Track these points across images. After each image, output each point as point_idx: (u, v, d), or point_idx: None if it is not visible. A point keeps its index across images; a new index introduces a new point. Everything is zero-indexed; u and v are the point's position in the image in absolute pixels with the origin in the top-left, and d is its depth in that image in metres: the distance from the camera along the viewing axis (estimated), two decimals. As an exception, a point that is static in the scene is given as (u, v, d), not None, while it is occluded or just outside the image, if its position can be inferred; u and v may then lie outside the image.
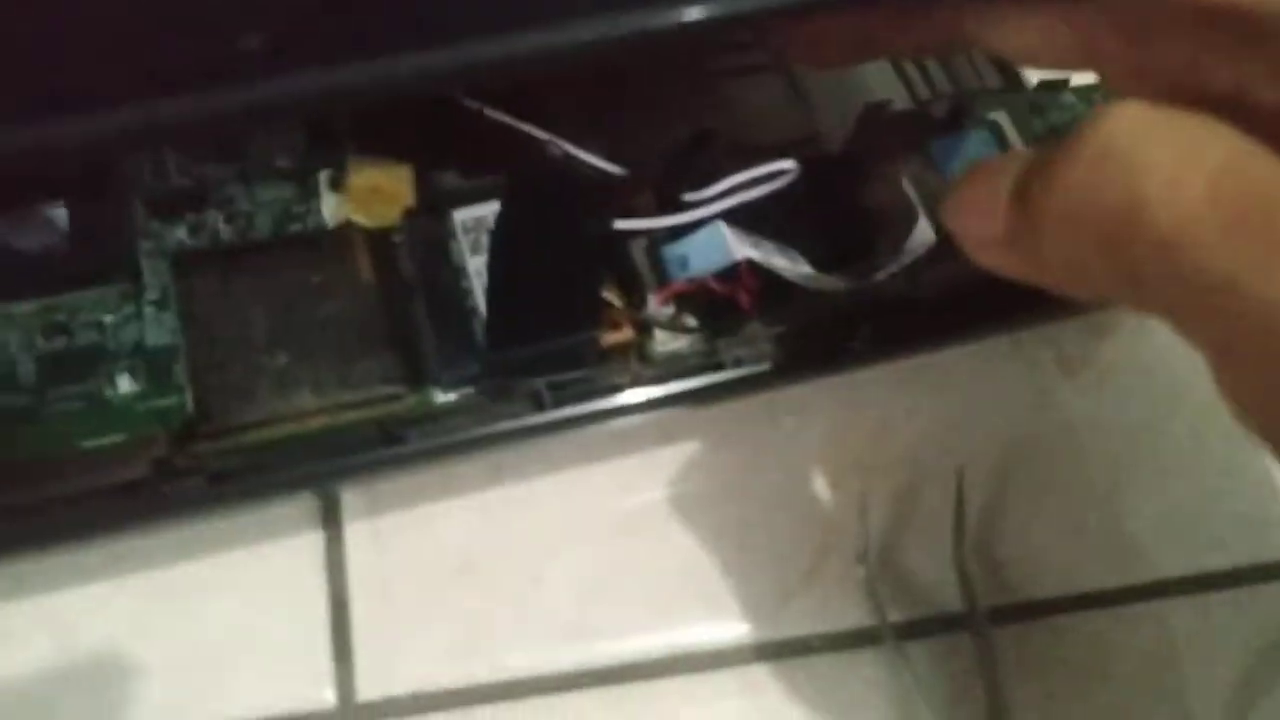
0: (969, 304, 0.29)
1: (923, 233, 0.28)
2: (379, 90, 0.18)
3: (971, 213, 0.20)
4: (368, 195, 0.27)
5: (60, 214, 0.26)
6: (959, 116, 0.31)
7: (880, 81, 0.34)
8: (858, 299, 0.28)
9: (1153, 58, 0.20)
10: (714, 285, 0.27)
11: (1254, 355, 0.16)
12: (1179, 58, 0.19)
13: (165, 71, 0.17)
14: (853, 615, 0.26)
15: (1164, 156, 0.17)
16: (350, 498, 0.26)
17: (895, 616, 0.26)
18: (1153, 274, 0.17)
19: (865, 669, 0.26)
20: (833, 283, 0.28)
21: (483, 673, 0.25)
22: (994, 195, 0.19)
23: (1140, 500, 0.28)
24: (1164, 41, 0.20)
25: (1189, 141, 0.17)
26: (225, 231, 0.27)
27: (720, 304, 0.27)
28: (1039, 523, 0.28)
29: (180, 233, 0.27)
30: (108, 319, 0.26)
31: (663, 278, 0.28)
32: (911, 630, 0.26)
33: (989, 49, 0.23)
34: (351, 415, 0.25)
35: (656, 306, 0.27)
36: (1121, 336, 0.30)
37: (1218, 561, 0.28)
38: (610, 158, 0.30)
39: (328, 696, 0.24)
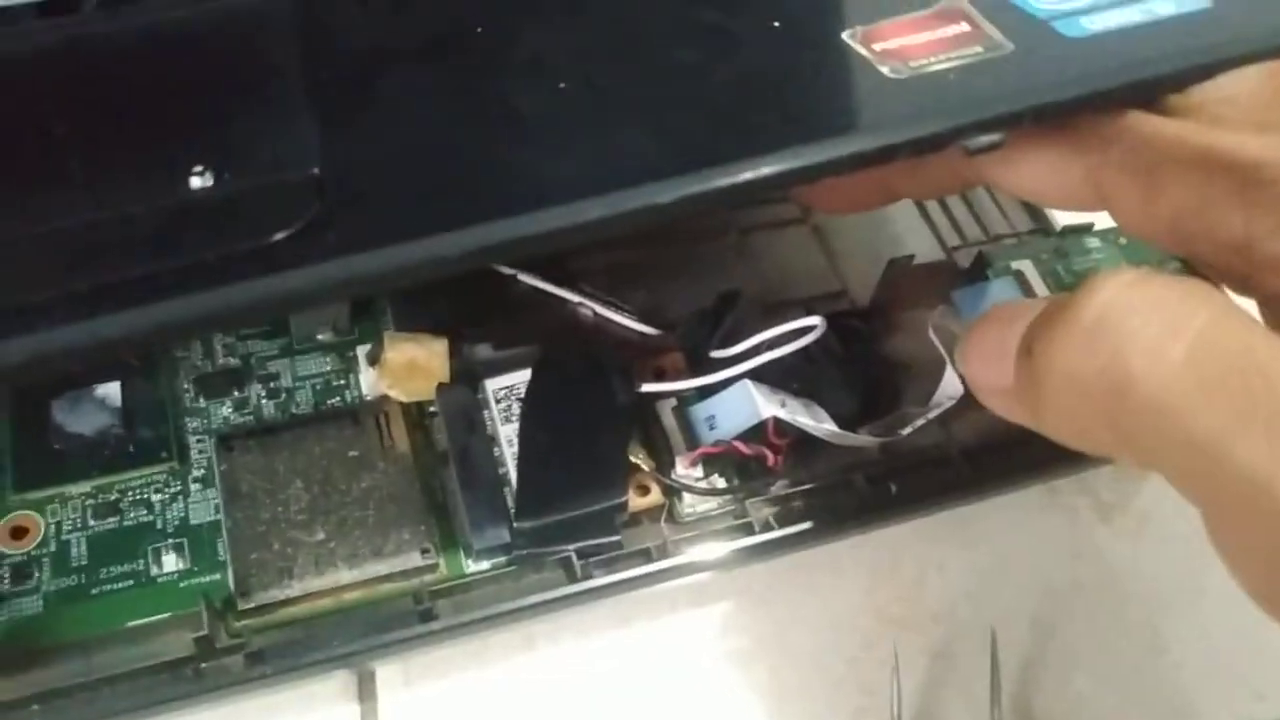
0: (1001, 454, 0.29)
1: (950, 384, 0.28)
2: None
3: (982, 361, 0.21)
4: (404, 370, 0.28)
5: (114, 396, 0.28)
6: (982, 265, 0.31)
7: (908, 230, 0.34)
8: (888, 453, 0.29)
9: (1161, 200, 0.20)
10: (741, 447, 0.27)
11: (1236, 514, 0.17)
12: (1187, 202, 0.20)
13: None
14: (892, 782, 0.26)
15: (1147, 325, 0.17)
16: (385, 671, 0.27)
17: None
18: (1143, 437, 0.17)
19: (907, 839, 0.25)
20: (860, 439, 0.28)
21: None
22: (1003, 346, 0.20)
23: (1182, 650, 0.28)
24: (1172, 185, 0.20)
25: (1172, 309, 0.17)
26: (268, 407, 0.28)
27: (748, 464, 0.28)
28: (1079, 674, 0.27)
29: (225, 410, 0.28)
30: (156, 497, 0.27)
31: (691, 438, 0.28)
32: (953, 797, 0.26)
33: (1001, 188, 0.24)
34: (386, 588, 0.26)
35: (685, 469, 0.27)
36: (1158, 481, 0.30)
37: (1264, 713, 0.27)
38: (641, 319, 0.31)
39: None
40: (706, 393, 0.29)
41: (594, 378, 0.28)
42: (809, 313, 0.29)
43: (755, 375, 0.28)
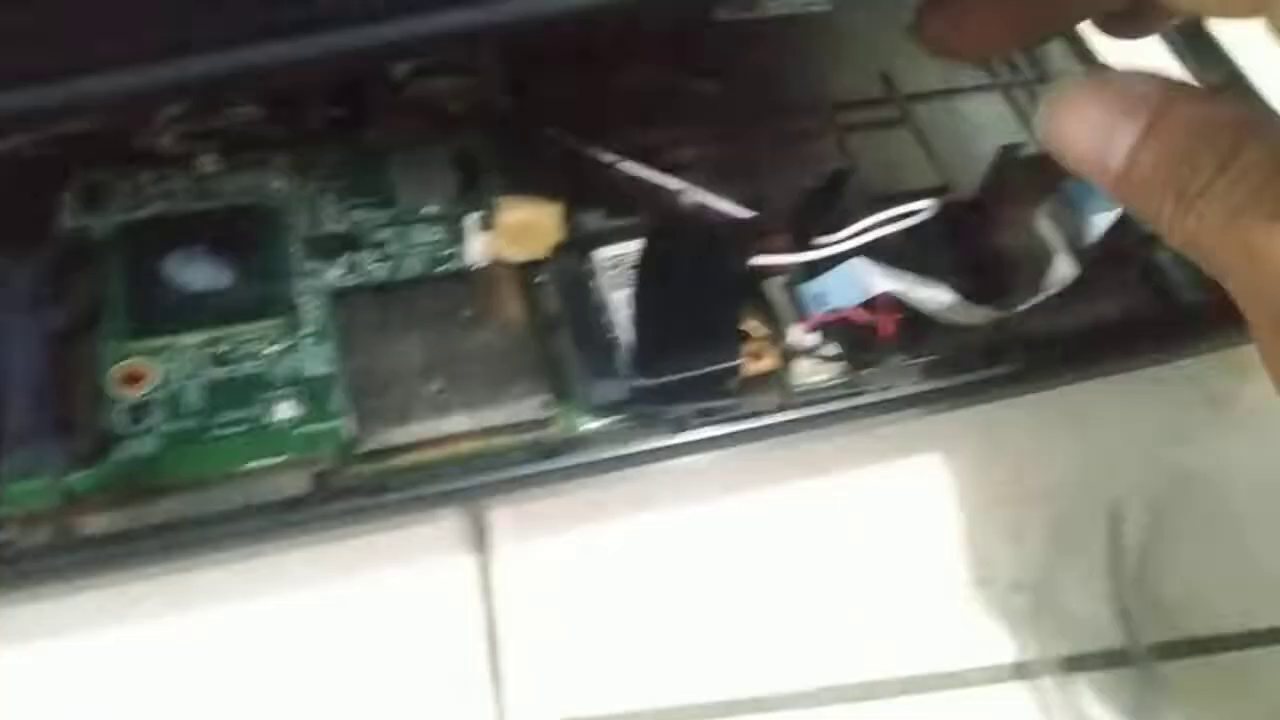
0: (1110, 340, 0.29)
1: (1062, 269, 0.28)
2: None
3: (1087, 132, 0.20)
4: (519, 231, 0.27)
5: (225, 254, 0.28)
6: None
7: (1009, 133, 0.34)
8: (998, 332, 0.29)
9: None
10: (855, 316, 0.27)
11: None
12: None
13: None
14: (1010, 648, 0.26)
15: None
16: (499, 524, 0.26)
17: (1055, 650, 0.25)
18: None
19: (1027, 703, 0.25)
20: (974, 314, 0.28)
21: (633, 699, 0.25)
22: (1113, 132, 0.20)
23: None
24: None
25: None
26: (378, 271, 0.28)
27: (861, 336, 0.28)
28: (1198, 560, 0.27)
29: (336, 272, 0.28)
30: (268, 350, 0.27)
31: (801, 314, 0.28)
32: (1071, 664, 0.25)
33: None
34: (502, 440, 0.26)
35: (800, 336, 0.27)
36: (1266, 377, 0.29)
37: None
38: (743, 203, 0.31)
39: (483, 714, 0.24)
40: (815, 271, 0.29)
41: (706, 248, 0.28)
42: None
43: (865, 254, 0.28)
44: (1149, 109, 0.19)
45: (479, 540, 0.26)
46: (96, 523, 0.24)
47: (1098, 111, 0.20)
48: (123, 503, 0.24)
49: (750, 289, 0.28)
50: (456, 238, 0.29)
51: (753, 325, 0.28)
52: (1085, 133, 0.20)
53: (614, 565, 0.26)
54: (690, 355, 0.26)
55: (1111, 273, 0.30)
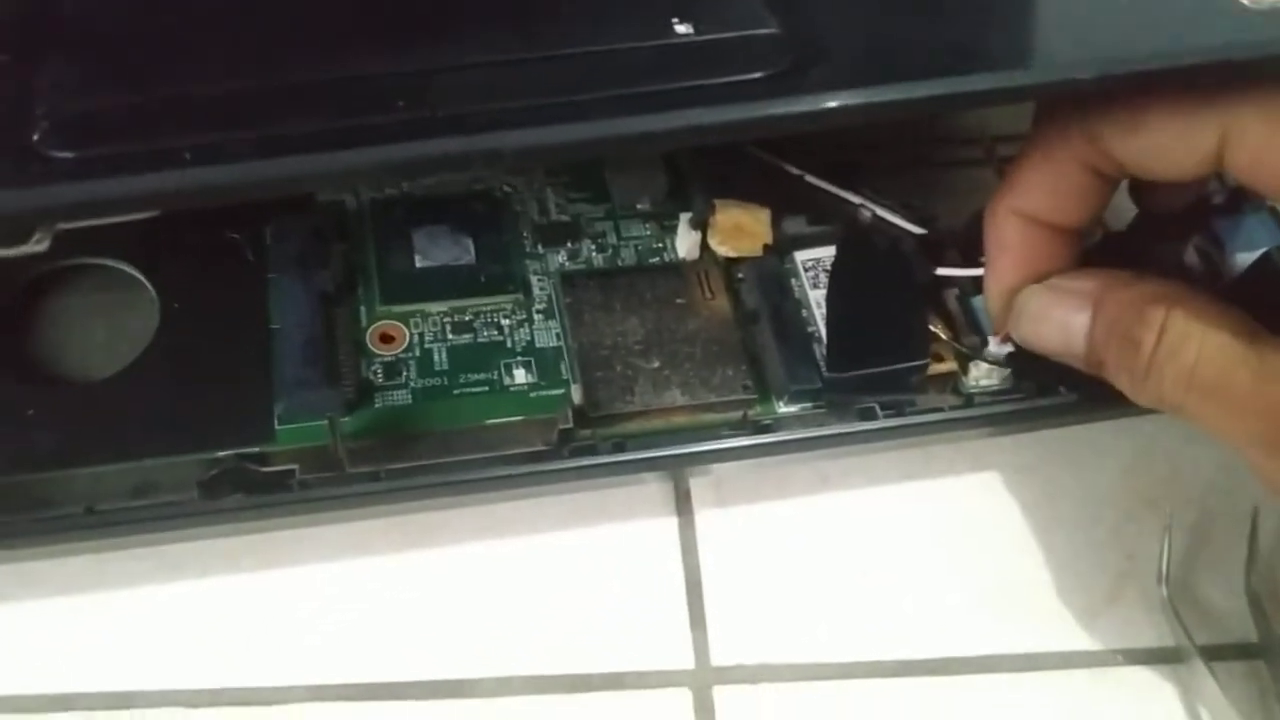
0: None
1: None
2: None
3: (1045, 328, 0.26)
4: (732, 231, 0.31)
5: (467, 233, 0.31)
6: (1239, 199, 0.34)
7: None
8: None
9: None
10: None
11: None
12: None
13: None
14: (1152, 635, 0.29)
15: None
16: (699, 492, 0.30)
17: (1194, 639, 0.28)
18: None
19: (1166, 685, 0.28)
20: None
21: (821, 653, 0.28)
22: (1067, 328, 0.25)
23: None
24: None
25: None
26: (597, 259, 0.32)
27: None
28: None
29: (560, 257, 0.32)
30: (505, 322, 0.30)
31: (971, 324, 0.31)
32: (1208, 654, 0.28)
33: (1130, 164, 0.25)
34: (709, 416, 0.29)
35: (996, 345, 0.30)
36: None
37: None
38: (915, 222, 0.34)
39: (685, 658, 0.27)
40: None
41: (894, 257, 0.31)
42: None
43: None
44: (1091, 301, 0.24)
45: (682, 504, 0.30)
46: (359, 463, 0.28)
47: (1056, 311, 0.25)
48: (381, 447, 0.28)
49: (931, 298, 0.31)
50: (665, 233, 0.32)
51: (935, 330, 0.31)
52: (1048, 332, 0.25)
53: (797, 534, 0.29)
54: (880, 353, 0.29)
55: (1251, 307, 0.32)
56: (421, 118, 0.20)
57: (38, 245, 0.21)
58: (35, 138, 0.19)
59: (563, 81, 0.22)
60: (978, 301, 0.32)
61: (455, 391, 0.29)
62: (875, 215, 0.34)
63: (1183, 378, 0.22)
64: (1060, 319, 0.25)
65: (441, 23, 0.23)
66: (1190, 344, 0.22)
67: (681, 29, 0.23)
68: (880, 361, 0.29)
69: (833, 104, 0.21)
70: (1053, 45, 0.23)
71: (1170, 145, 0.24)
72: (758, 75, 0.22)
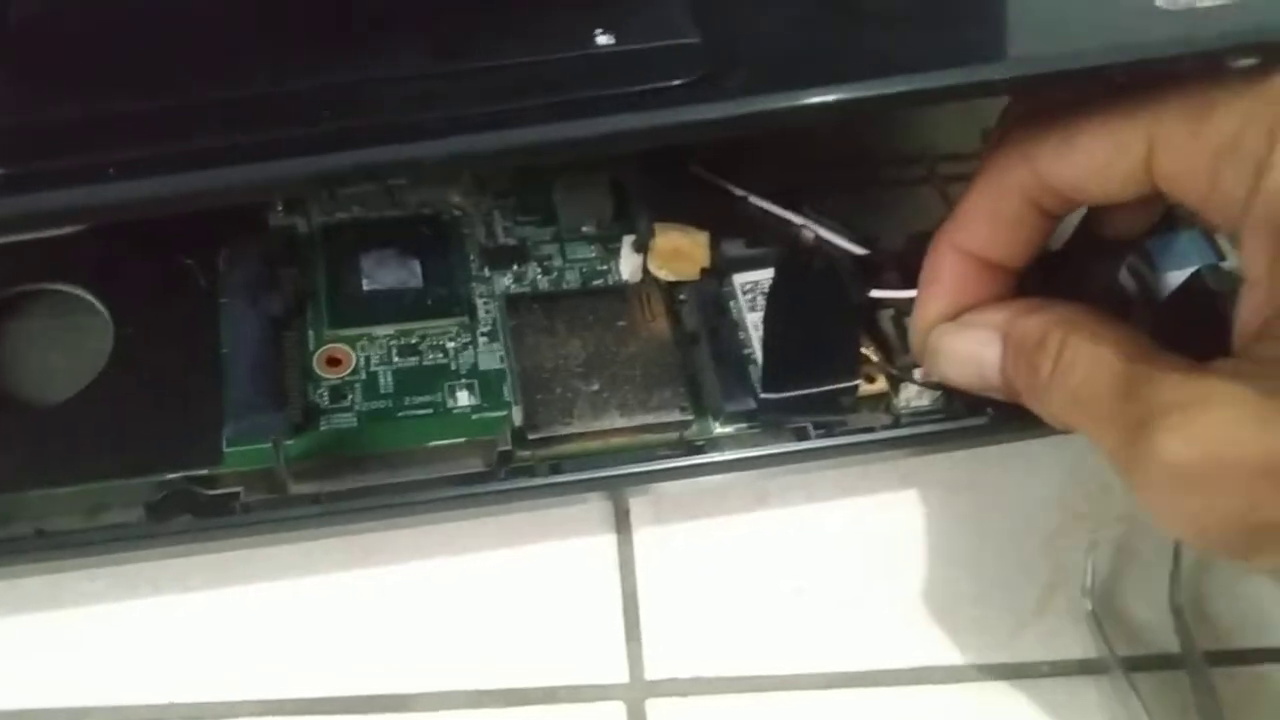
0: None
1: (1138, 321, 0.32)
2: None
3: (958, 366, 0.27)
4: (670, 255, 0.32)
5: (413, 257, 0.32)
6: (1171, 217, 0.35)
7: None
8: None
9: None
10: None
11: None
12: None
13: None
14: (1078, 647, 0.29)
15: None
16: (638, 509, 0.30)
17: (1118, 651, 0.29)
18: None
19: (1090, 696, 0.29)
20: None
21: (753, 666, 0.29)
22: (980, 362, 0.26)
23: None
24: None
25: None
26: (542, 281, 0.33)
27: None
28: (1245, 581, 0.31)
29: (506, 280, 0.32)
30: (450, 344, 0.31)
31: (905, 344, 0.32)
32: (1132, 665, 0.29)
33: (1067, 187, 0.26)
34: (647, 437, 0.30)
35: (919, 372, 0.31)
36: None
37: None
38: (856, 242, 0.35)
39: (620, 672, 0.28)
40: (922, 305, 0.33)
41: (830, 280, 0.32)
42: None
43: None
44: (1000, 334, 0.25)
45: (621, 522, 0.30)
46: (303, 484, 0.28)
47: (968, 347, 0.26)
48: (326, 469, 0.29)
49: (865, 319, 0.32)
50: (610, 256, 0.33)
51: (867, 352, 0.32)
52: (962, 368, 0.27)
53: (734, 550, 0.30)
54: (813, 375, 0.30)
55: (1182, 325, 0.33)
56: (346, 128, 0.21)
57: None
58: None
59: (488, 92, 0.22)
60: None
61: (400, 414, 0.30)
62: (817, 236, 0.35)
63: (1068, 397, 0.23)
64: (973, 354, 0.26)
65: (366, 34, 0.24)
66: (1078, 365, 0.23)
67: (603, 40, 0.23)
68: (813, 383, 0.30)
69: (743, 110, 0.22)
70: (968, 49, 0.24)
71: (1102, 163, 0.25)
72: (676, 83, 0.22)
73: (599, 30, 0.23)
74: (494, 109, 0.22)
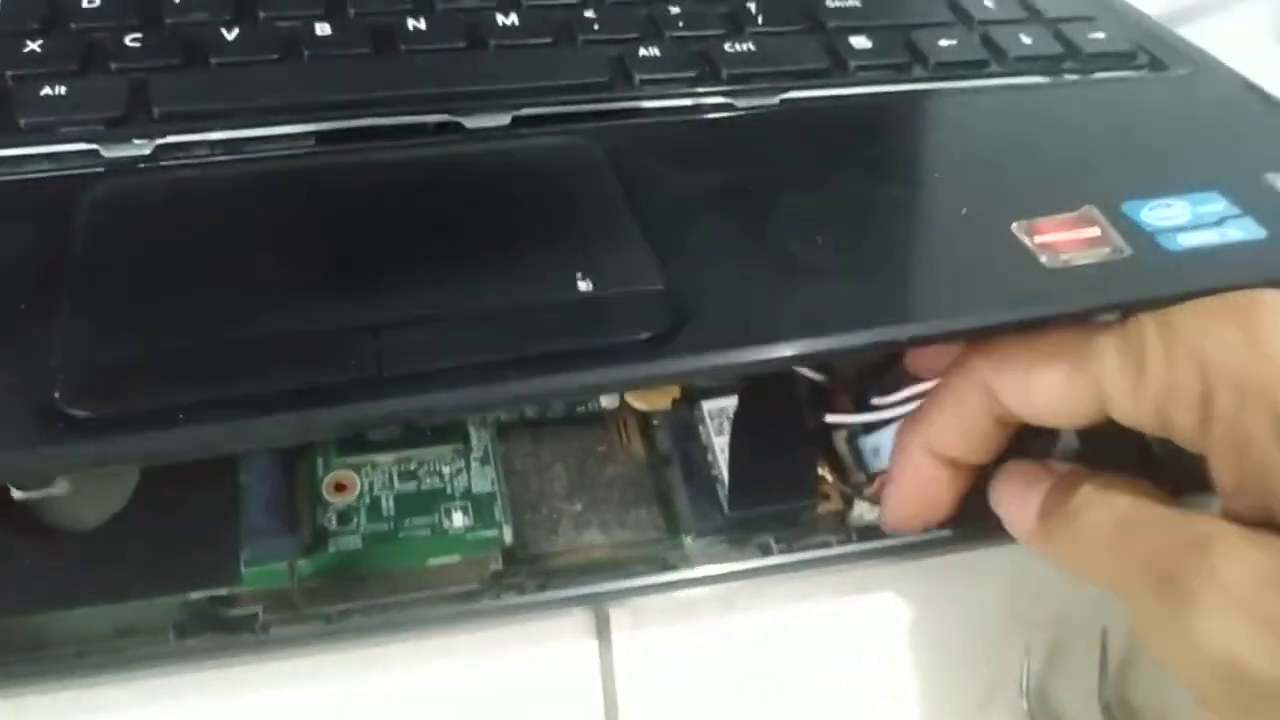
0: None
1: (1067, 439, 0.36)
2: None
3: (1007, 509, 0.30)
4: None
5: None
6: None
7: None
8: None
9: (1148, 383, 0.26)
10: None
11: None
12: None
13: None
14: (1017, 743, 0.32)
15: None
16: (617, 616, 0.33)
17: (1052, 746, 0.32)
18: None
19: (1026, 789, 0.32)
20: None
21: (720, 763, 0.32)
22: (1025, 506, 0.29)
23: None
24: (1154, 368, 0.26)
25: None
26: (529, 411, 0.36)
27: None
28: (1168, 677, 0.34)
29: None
30: (445, 469, 0.34)
31: (860, 463, 0.36)
32: (1065, 759, 0.32)
33: (1021, 414, 0.29)
34: (626, 552, 0.33)
35: (870, 490, 0.34)
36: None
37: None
38: (815, 369, 0.38)
39: (601, 778, 0.31)
40: (872, 429, 0.36)
41: (789, 406, 0.36)
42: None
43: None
44: (1038, 492, 0.29)
45: (601, 629, 0.33)
46: (314, 602, 0.31)
47: (1014, 491, 0.30)
48: (334, 587, 0.32)
49: (822, 441, 0.36)
50: (590, 384, 0.37)
51: (824, 471, 0.35)
52: (1011, 505, 0.30)
53: (707, 654, 0.33)
54: (775, 493, 0.34)
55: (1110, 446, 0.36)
56: (370, 378, 0.25)
57: (59, 489, 0.25)
58: (56, 395, 0.24)
59: (486, 341, 0.26)
60: (863, 443, 0.36)
61: (400, 535, 0.33)
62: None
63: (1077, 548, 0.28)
64: (1020, 494, 0.30)
65: (369, 277, 0.27)
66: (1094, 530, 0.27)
67: (584, 285, 0.27)
68: (775, 501, 0.34)
69: (695, 367, 0.26)
70: (880, 307, 0.28)
71: (1058, 405, 0.28)
72: (642, 336, 0.26)
73: (580, 275, 0.27)
74: (487, 359, 0.25)
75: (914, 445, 0.31)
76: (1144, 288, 0.28)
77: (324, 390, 0.24)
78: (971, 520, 0.34)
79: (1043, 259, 0.29)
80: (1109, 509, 0.27)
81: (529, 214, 0.30)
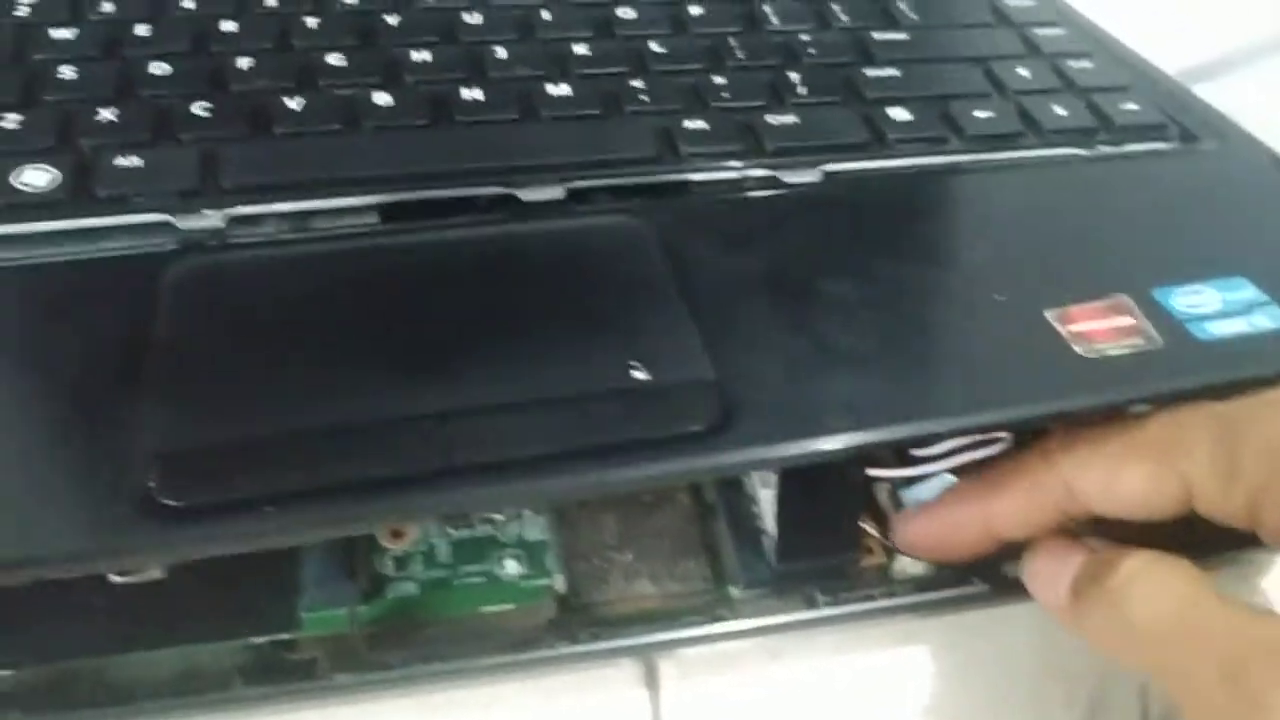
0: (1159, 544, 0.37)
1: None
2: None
3: (1039, 585, 0.31)
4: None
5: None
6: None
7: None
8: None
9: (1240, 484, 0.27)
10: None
11: None
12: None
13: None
14: (1058, 795, 0.33)
15: None
16: (666, 666, 0.34)
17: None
18: None
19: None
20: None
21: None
22: (1056, 582, 0.30)
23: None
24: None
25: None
26: (579, 461, 0.37)
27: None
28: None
29: (547, 460, 0.37)
30: (498, 517, 0.35)
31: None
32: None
33: (1103, 510, 0.29)
34: (675, 602, 0.34)
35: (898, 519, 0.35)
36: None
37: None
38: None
39: (649, 820, 0.32)
40: (914, 481, 0.37)
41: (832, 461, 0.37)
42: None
43: (954, 472, 0.37)
44: (1071, 567, 0.29)
45: (650, 679, 0.34)
46: (373, 648, 0.32)
47: (1047, 567, 0.30)
48: (392, 634, 0.33)
49: (864, 494, 0.37)
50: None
51: (866, 524, 0.36)
52: (1044, 583, 0.30)
53: (753, 704, 0.34)
54: (820, 547, 0.35)
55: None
56: (442, 469, 0.27)
57: (154, 574, 0.26)
58: (151, 484, 0.25)
59: (549, 431, 0.28)
60: (906, 496, 0.37)
61: (455, 582, 0.34)
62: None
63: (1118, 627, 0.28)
64: (1051, 572, 0.30)
65: (434, 362, 0.29)
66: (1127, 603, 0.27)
67: (640, 375, 0.28)
68: (820, 554, 0.34)
69: (745, 460, 0.28)
70: (921, 398, 0.30)
71: (1142, 501, 0.28)
72: (697, 429, 0.28)
73: (636, 363, 0.29)
74: (549, 450, 0.27)
75: (970, 512, 0.32)
76: (1178, 380, 0.29)
77: (399, 479, 0.26)
78: (1013, 575, 0.35)
79: (1078, 348, 0.30)
80: (1159, 595, 0.27)
81: (586, 296, 0.31)
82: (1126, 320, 0.31)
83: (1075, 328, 0.31)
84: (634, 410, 0.28)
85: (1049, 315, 0.31)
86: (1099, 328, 0.31)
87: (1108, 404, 0.29)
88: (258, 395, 0.28)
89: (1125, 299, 0.32)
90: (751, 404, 0.28)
